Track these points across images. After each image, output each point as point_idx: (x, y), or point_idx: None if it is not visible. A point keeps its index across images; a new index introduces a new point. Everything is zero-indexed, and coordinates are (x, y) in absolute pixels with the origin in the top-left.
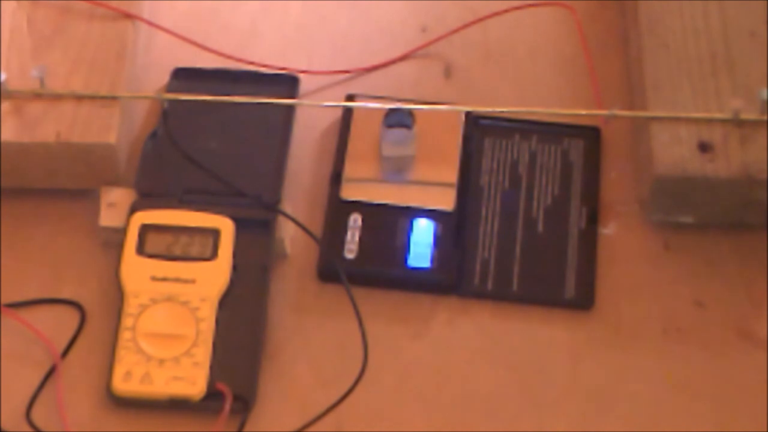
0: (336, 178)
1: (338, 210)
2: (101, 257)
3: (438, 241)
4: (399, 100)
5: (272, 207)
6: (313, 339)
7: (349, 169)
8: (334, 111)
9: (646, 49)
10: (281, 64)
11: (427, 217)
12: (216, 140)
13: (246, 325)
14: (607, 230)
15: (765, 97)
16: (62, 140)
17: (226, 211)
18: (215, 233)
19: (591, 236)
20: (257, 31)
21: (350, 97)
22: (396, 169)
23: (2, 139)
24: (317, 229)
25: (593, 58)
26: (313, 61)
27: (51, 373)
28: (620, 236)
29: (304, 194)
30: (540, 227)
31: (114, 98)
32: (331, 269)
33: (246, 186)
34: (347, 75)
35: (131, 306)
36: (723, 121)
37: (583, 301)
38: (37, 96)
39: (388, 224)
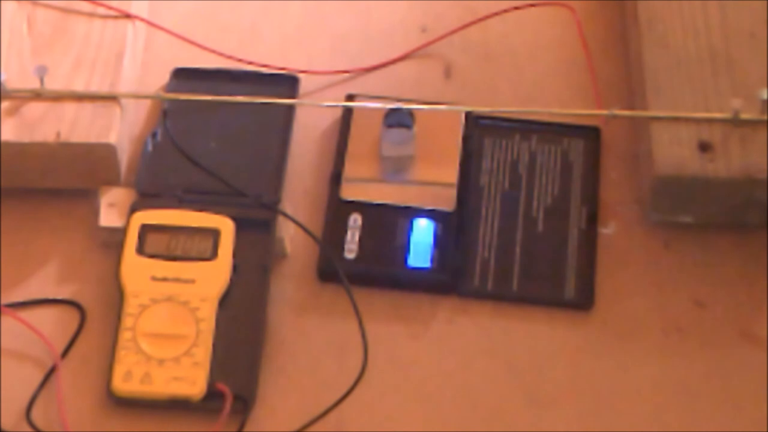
0: (336, 178)
1: (338, 210)
2: (101, 257)
3: (438, 241)
4: (399, 100)
5: (272, 207)
6: (313, 339)
7: (349, 169)
8: (334, 111)
9: (646, 49)
10: (281, 64)
11: (427, 217)
12: (216, 140)
13: (246, 325)
14: (607, 230)
15: (765, 97)
16: (62, 140)
17: (226, 211)
18: (215, 233)
19: (591, 236)
20: (257, 31)
21: (350, 97)
22: (396, 169)
23: (2, 139)
24: (317, 229)
25: (593, 58)
26: (313, 61)
27: (51, 373)
28: (620, 236)
29: (304, 194)
30: (540, 227)
31: (114, 98)
32: (331, 269)
33: (246, 186)
34: (347, 75)
35: (131, 306)
36: (723, 121)
37: (583, 301)
38: (37, 96)
39: (388, 224)
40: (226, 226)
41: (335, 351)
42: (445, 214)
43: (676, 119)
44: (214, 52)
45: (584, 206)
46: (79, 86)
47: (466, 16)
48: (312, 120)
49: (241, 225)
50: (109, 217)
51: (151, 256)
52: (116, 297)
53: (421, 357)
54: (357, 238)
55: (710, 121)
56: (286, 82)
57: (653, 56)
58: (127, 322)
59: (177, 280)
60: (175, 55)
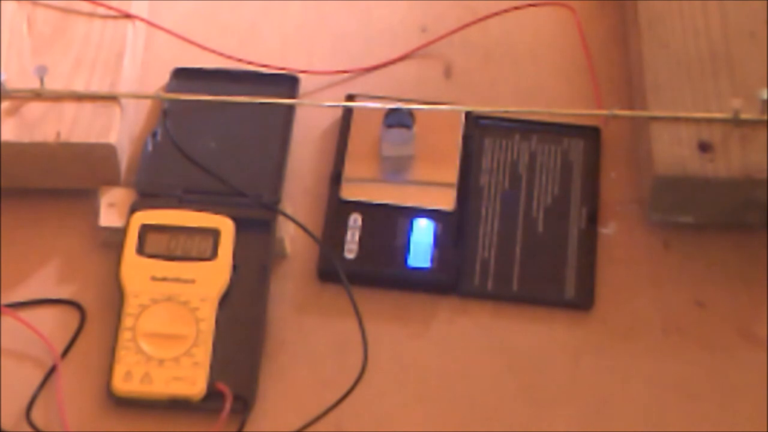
0: (336, 178)
1: (338, 210)
2: (101, 257)
3: (438, 241)
4: (399, 100)
5: (272, 207)
6: (313, 339)
7: (349, 169)
8: (334, 111)
9: (646, 49)
10: (281, 64)
11: (427, 217)
12: (216, 140)
13: (246, 325)
14: (607, 230)
15: (765, 97)
16: (62, 140)
17: (226, 211)
18: (215, 233)
19: (591, 236)
20: (257, 31)
21: (350, 97)
22: (396, 169)
23: (2, 139)
24: (317, 229)
25: (593, 58)
26: (313, 61)
27: (51, 373)
28: (620, 236)
29: (304, 194)
30: (540, 227)
31: (114, 98)
32: (331, 269)
33: (246, 186)
34: (347, 75)
35: (131, 306)
36: (723, 121)
37: (583, 301)
38: (37, 96)
39: (388, 224)
40: (226, 226)
41: (335, 351)
42: (445, 214)
43: (676, 119)
44: (214, 52)
45: (584, 206)
46: (79, 86)
47: (466, 16)
48: (312, 120)
49: (241, 225)
50: (109, 217)
51: (151, 256)
52: (116, 297)
53: (421, 357)
54: (357, 238)
55: (710, 121)
56: (286, 82)
57: (653, 56)
58: (127, 322)
59: (177, 280)
60: (175, 55)
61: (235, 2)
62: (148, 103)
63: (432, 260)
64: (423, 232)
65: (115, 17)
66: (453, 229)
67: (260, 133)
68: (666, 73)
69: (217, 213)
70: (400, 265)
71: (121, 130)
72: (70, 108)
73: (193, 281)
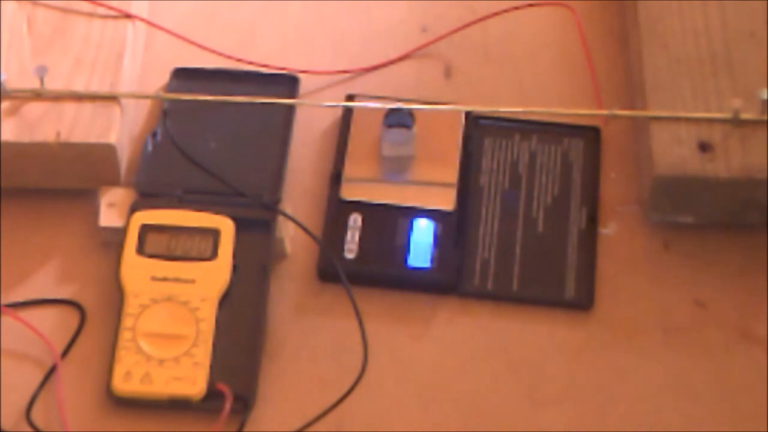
0: (336, 178)
1: (338, 210)
2: (101, 257)
3: (438, 241)
4: (399, 100)
5: (272, 207)
6: (313, 339)
7: (349, 169)
8: (334, 111)
9: (646, 49)
10: (281, 64)
11: (427, 217)
12: (216, 140)
13: (246, 325)
14: (607, 230)
15: (765, 97)
16: (62, 140)
17: (226, 211)
18: (215, 233)
19: (591, 236)
20: (257, 31)
21: (350, 97)
22: (396, 169)
23: (2, 139)
24: (317, 229)
25: (593, 58)
26: (313, 61)
27: (51, 373)
28: (620, 236)
29: (304, 194)
30: (540, 227)
31: (114, 98)
32: (331, 269)
33: (246, 186)
34: (347, 75)
35: (131, 306)
36: (723, 121)
37: (583, 301)
38: (37, 96)
39: (388, 224)
40: (226, 226)
41: (335, 351)
42: (445, 214)
43: (676, 119)
44: (214, 52)
45: (584, 206)
46: (79, 86)
47: (466, 16)
48: (312, 120)
49: (241, 225)
50: (109, 217)
51: (151, 256)
52: (116, 297)
53: (421, 357)
54: (357, 238)
55: (710, 121)
56: (286, 82)
57: (653, 56)
58: (127, 322)
59: (177, 280)
60: (175, 55)
61: (235, 2)
62: (148, 103)
63: (432, 260)
64: (423, 232)
65: (115, 17)
66: (453, 229)
67: (260, 133)
68: (666, 73)
69: (217, 213)
70: (400, 265)
71: (121, 130)
72: (70, 108)
73: (193, 281)
